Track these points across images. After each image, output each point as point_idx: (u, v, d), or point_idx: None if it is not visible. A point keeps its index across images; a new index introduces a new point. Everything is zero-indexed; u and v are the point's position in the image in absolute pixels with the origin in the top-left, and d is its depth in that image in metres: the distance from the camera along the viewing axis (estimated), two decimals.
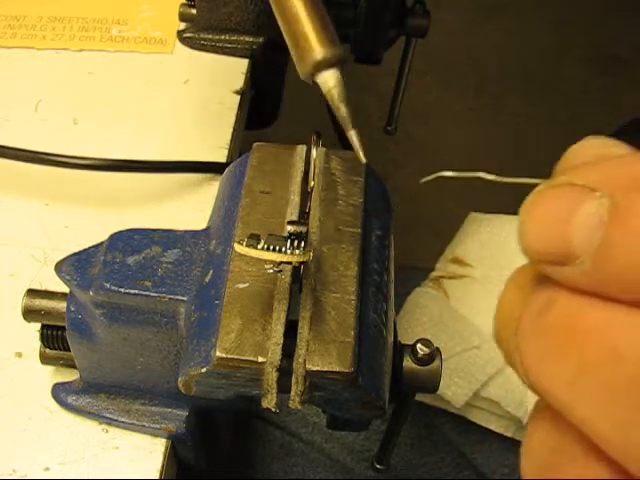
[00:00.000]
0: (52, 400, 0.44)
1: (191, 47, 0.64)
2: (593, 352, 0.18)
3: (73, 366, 0.42)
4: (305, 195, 0.39)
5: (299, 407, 0.33)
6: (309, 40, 0.34)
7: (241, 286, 0.35)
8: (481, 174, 0.28)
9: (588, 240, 0.18)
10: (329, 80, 0.34)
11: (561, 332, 0.19)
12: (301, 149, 0.41)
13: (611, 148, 0.21)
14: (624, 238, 0.18)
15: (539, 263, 0.20)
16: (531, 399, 0.58)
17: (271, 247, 0.32)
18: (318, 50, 0.33)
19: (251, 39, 0.63)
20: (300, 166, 0.40)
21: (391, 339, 0.37)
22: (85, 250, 0.39)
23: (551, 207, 0.19)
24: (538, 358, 0.20)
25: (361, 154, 0.34)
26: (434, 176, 0.31)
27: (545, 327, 0.20)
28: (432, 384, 0.37)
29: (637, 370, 0.17)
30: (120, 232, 0.39)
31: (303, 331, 0.33)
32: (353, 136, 0.33)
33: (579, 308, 0.19)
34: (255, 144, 0.41)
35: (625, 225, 0.18)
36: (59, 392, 0.44)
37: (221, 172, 0.43)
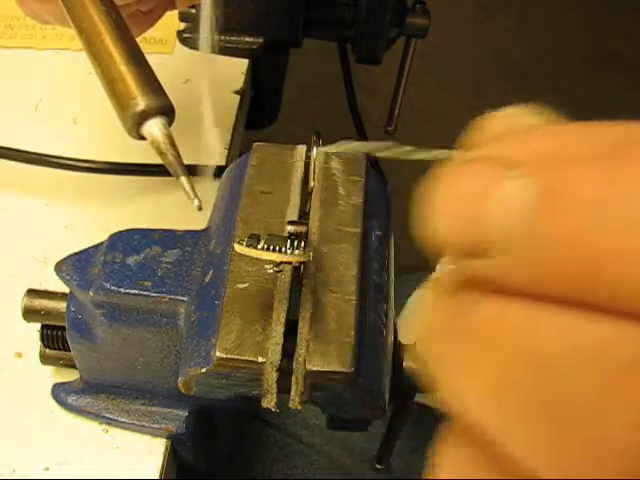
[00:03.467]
0: (52, 400, 0.44)
1: (191, 47, 0.64)
2: (514, 360, 0.15)
3: (73, 366, 0.42)
4: (305, 195, 0.39)
5: (299, 407, 0.33)
6: (130, 90, 0.33)
7: (241, 286, 0.35)
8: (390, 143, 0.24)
9: (509, 227, 0.15)
10: (155, 129, 0.33)
11: (480, 337, 0.16)
12: (301, 149, 0.41)
13: (527, 117, 0.18)
14: (560, 228, 0.15)
15: (452, 253, 0.17)
16: None
17: (271, 247, 0.32)
18: (141, 100, 0.33)
19: (251, 39, 0.63)
20: (300, 166, 0.40)
21: (391, 339, 0.37)
22: (85, 250, 0.39)
23: (464, 185, 0.16)
24: (452, 369, 0.17)
25: (194, 199, 0.33)
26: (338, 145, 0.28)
27: (463, 331, 0.16)
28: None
29: (565, 382, 0.14)
30: (120, 232, 0.39)
31: (303, 331, 0.33)
32: (184, 182, 0.33)
33: (501, 309, 0.16)
34: (255, 144, 0.41)
35: (560, 212, 0.15)
36: (59, 392, 0.44)
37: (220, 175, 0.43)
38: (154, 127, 0.33)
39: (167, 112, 0.34)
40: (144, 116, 0.33)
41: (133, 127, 0.33)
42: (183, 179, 0.33)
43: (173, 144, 0.33)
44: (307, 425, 0.60)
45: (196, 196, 0.33)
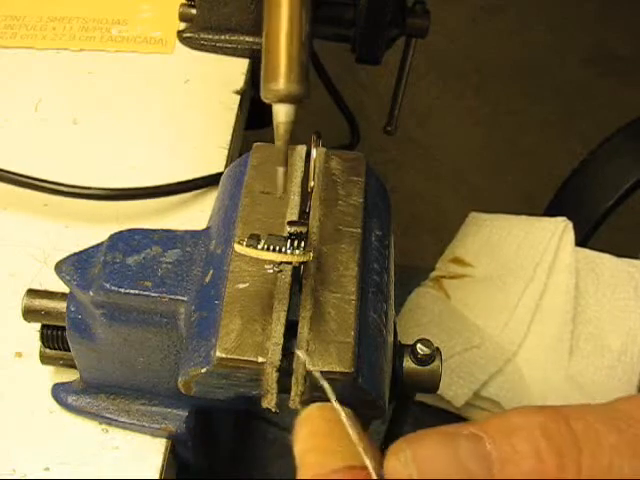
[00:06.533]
0: (52, 400, 0.44)
1: (191, 47, 0.64)
2: None
3: (73, 366, 0.42)
4: (305, 195, 0.39)
5: (299, 407, 0.33)
6: (280, 69, 0.34)
7: (241, 286, 0.35)
8: None
9: None
10: (281, 114, 0.34)
11: None
12: (301, 149, 0.41)
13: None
14: None
15: None
16: (531, 398, 0.58)
17: (271, 247, 0.32)
18: (284, 82, 0.34)
19: (251, 39, 0.63)
20: (300, 166, 0.40)
21: (391, 339, 0.37)
22: (85, 250, 0.39)
23: None
24: None
25: (280, 190, 0.35)
26: None
27: None
28: (432, 384, 0.37)
29: None
30: (120, 232, 0.39)
31: (303, 331, 0.33)
32: (280, 173, 0.35)
33: None
34: (255, 144, 0.41)
35: None
36: (59, 392, 0.44)
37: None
38: (282, 111, 0.34)
39: (302, 100, 0.35)
40: (280, 98, 0.34)
41: (268, 99, 0.35)
42: (280, 170, 0.34)
43: (290, 132, 0.35)
44: None
45: (281, 190, 0.35)
